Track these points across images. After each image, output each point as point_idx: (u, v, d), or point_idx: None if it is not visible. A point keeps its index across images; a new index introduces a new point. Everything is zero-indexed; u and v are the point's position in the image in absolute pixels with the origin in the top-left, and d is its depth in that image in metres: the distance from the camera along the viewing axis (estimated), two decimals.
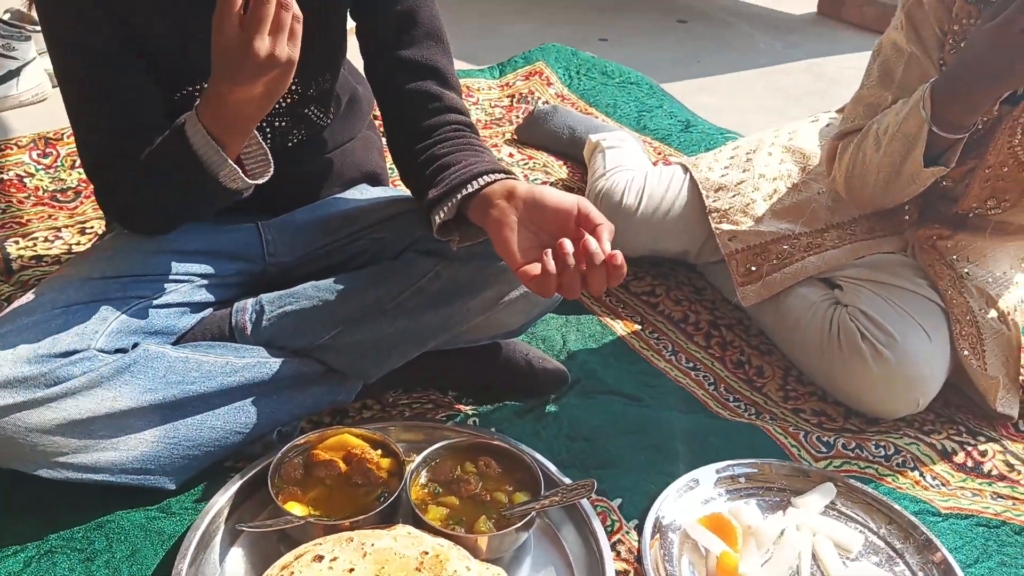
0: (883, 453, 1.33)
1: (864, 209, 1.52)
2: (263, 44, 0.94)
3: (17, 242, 1.68)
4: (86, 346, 1.06)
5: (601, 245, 0.93)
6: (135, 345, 1.11)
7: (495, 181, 1.04)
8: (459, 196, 1.05)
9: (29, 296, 1.11)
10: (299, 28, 0.98)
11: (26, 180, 1.88)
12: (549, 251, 0.94)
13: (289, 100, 1.22)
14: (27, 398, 1.00)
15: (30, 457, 1.02)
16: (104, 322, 1.10)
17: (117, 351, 1.09)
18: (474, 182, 1.05)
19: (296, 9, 0.96)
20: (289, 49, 0.96)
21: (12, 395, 1.00)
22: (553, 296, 0.96)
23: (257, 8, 0.93)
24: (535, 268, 0.95)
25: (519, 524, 1.06)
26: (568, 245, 0.94)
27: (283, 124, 1.24)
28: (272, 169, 1.12)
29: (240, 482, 1.12)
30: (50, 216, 1.78)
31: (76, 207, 1.82)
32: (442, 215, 1.07)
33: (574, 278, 0.94)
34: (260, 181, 1.11)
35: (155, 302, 1.17)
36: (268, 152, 1.11)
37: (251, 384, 1.16)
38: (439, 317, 1.20)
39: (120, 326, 1.11)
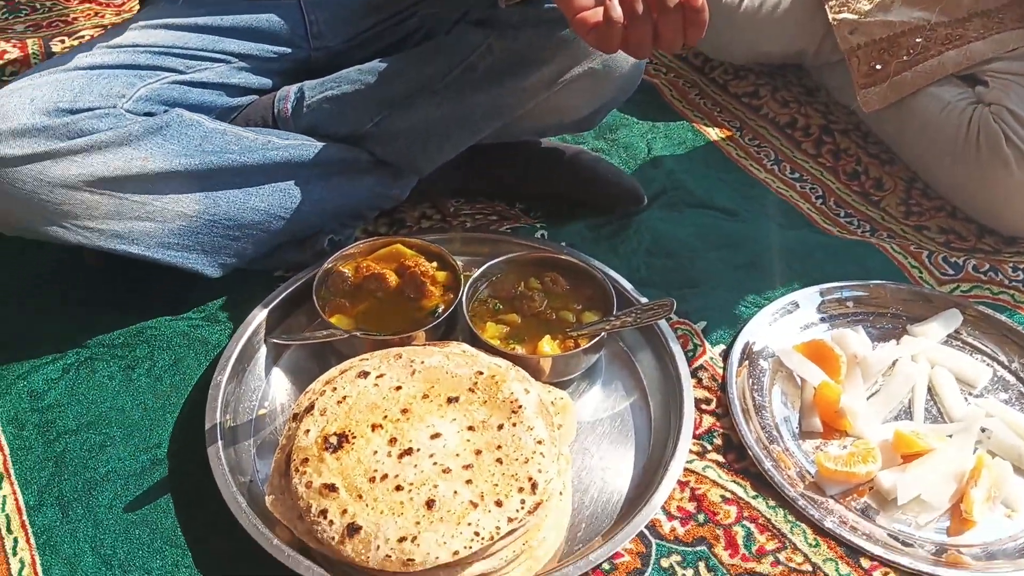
0: (1022, 277, 1.14)
1: None
2: None
3: (63, 41, 1.58)
4: (112, 104, 0.97)
5: None
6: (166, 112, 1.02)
7: None
8: None
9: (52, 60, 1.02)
10: None
11: None
12: None
13: None
14: (47, 148, 0.92)
15: (56, 217, 0.94)
16: (132, 87, 1.00)
17: (146, 115, 1.00)
18: None
19: None
20: None
21: (29, 144, 0.92)
22: (616, 52, 0.79)
23: None
24: (596, 14, 0.78)
25: (586, 346, 0.94)
26: None
27: None
28: None
29: (287, 292, 1.04)
30: (96, 14, 1.68)
31: (123, 4, 1.72)
32: None
33: (643, 27, 0.77)
34: None
35: (188, 77, 1.06)
36: None
37: (294, 163, 1.05)
38: (491, 97, 1.05)
39: (149, 93, 1.01)
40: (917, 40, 1.33)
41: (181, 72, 1.05)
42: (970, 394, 0.99)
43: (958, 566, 0.82)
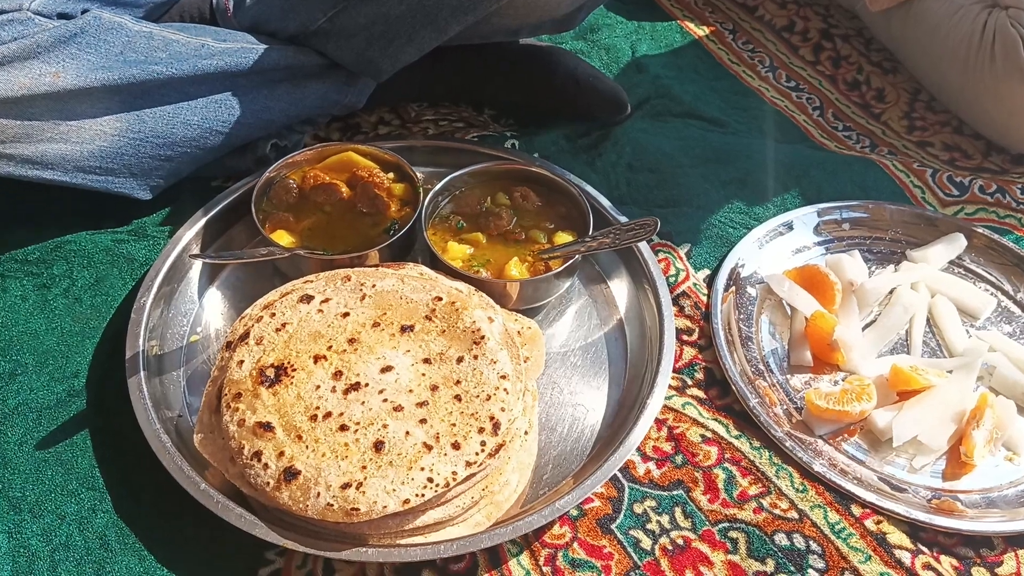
0: None
1: None
2: None
3: None
4: (17, 6, 0.85)
5: None
6: (84, 12, 0.89)
7: None
8: None
9: None
10: None
11: None
12: None
13: None
14: None
15: None
16: None
17: (60, 17, 0.87)
18: None
19: None
20: None
21: None
22: None
23: None
24: None
25: (559, 269, 0.85)
26: None
27: None
28: None
29: (223, 203, 0.93)
30: None
31: None
32: None
33: None
34: None
35: None
36: None
37: (233, 72, 0.94)
38: None
39: None
40: None
41: None
42: (972, 326, 0.91)
43: (953, 514, 0.76)
